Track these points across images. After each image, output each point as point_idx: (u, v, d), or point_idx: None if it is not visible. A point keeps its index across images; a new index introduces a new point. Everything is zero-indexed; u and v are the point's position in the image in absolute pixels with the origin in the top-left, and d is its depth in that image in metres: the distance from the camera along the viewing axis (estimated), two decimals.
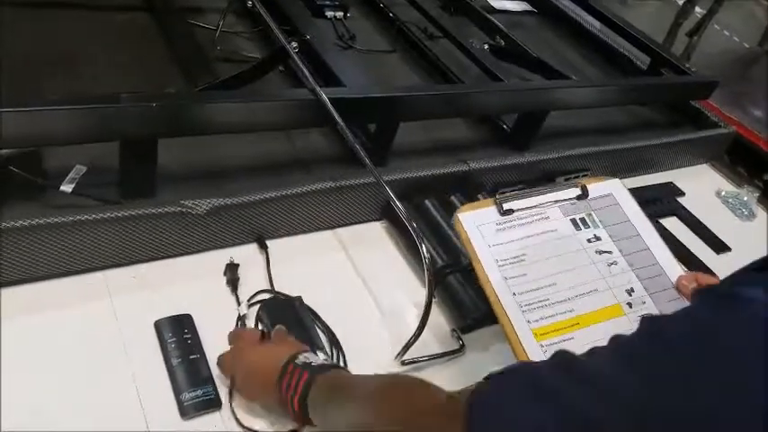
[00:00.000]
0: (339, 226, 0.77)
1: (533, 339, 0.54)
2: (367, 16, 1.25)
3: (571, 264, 0.61)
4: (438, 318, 0.71)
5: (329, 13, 1.16)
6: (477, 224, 0.61)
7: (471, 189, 0.86)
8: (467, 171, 0.84)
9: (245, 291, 0.65)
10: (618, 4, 4.01)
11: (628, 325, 0.56)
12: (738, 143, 2.81)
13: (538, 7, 1.56)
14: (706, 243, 0.99)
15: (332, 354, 0.62)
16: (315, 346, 0.60)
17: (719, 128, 1.21)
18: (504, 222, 0.62)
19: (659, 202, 1.05)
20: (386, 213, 0.80)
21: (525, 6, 1.58)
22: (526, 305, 0.57)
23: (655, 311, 0.58)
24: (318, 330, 0.63)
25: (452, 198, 0.83)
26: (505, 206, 0.62)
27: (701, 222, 1.03)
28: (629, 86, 1.05)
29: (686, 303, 0.60)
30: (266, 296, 0.65)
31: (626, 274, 0.61)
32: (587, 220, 0.66)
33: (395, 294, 0.71)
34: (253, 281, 0.66)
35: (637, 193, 1.03)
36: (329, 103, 0.68)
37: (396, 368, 0.62)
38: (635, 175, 1.10)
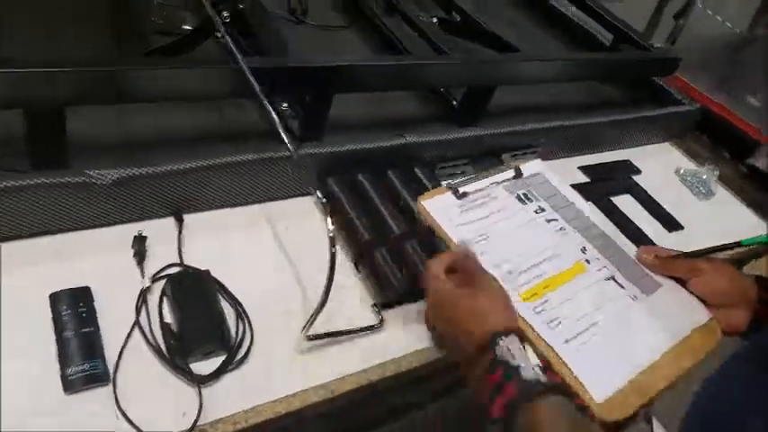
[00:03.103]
0: (268, 200, 0.75)
1: (523, 302, 0.58)
2: None
3: (528, 234, 0.66)
4: (363, 293, 0.69)
5: None
6: (441, 209, 0.64)
7: (409, 163, 0.83)
8: (403, 144, 0.82)
9: (155, 264, 0.63)
10: None
11: (590, 278, 0.63)
12: (722, 126, 2.80)
13: None
14: (659, 221, 0.97)
15: (237, 327, 0.60)
16: (219, 321, 0.58)
17: (682, 105, 1.18)
18: (463, 205, 0.66)
19: (613, 180, 1.02)
20: (321, 187, 0.77)
21: None
22: (507, 272, 0.61)
23: (608, 263, 0.66)
24: (227, 303, 0.61)
25: (389, 172, 0.81)
26: (460, 189, 0.66)
27: (654, 200, 1.01)
28: (583, 61, 1.02)
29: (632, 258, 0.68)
30: (175, 270, 0.63)
31: (575, 236, 0.67)
32: (529, 195, 0.71)
33: (316, 270, 0.69)
34: (165, 255, 0.64)
35: (590, 170, 1.03)
36: (248, 72, 0.65)
37: (303, 342, 0.60)
38: (591, 153, 1.08)
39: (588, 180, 1.00)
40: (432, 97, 1.01)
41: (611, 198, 0.97)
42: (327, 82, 0.75)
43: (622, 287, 0.64)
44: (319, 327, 0.63)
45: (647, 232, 0.93)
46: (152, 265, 0.63)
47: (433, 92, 1.01)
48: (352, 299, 0.68)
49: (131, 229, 0.65)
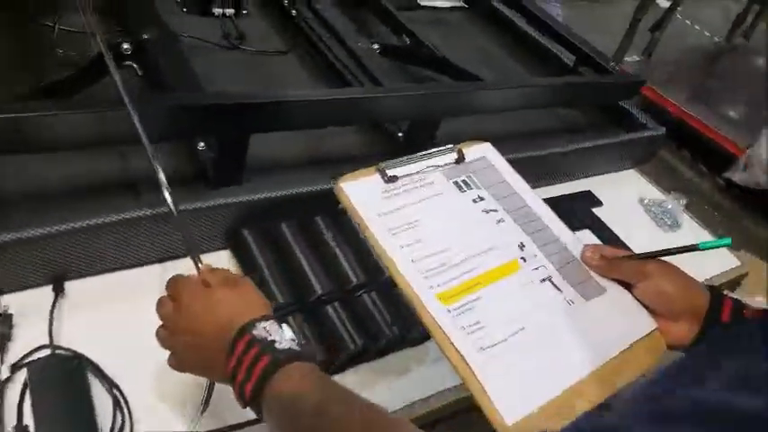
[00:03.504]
0: (171, 258, 0.66)
1: (440, 304, 0.52)
2: (266, 15, 1.14)
3: (463, 225, 0.60)
4: None
5: (217, 10, 1.05)
6: (363, 193, 0.57)
7: (342, 209, 0.75)
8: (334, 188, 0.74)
9: (21, 348, 0.54)
10: (588, 2, 3.96)
11: (524, 278, 0.57)
12: (699, 140, 2.75)
13: (468, 2, 1.46)
14: None
15: (114, 418, 0.51)
16: (85, 416, 0.49)
17: (647, 129, 1.12)
18: (391, 190, 0.59)
19: (571, 215, 0.95)
20: (231, 241, 0.69)
21: (455, 2, 1.48)
22: (427, 271, 0.54)
23: (546, 262, 0.59)
24: (101, 392, 0.53)
25: (317, 219, 0.73)
26: (389, 172, 0.59)
27: (615, 235, 0.94)
28: (535, 88, 0.94)
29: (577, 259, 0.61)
30: (45, 353, 0.54)
31: (514, 230, 0.61)
32: (469, 182, 0.64)
33: None
34: (38, 334, 0.55)
35: (547, 204, 0.96)
36: (135, 116, 0.57)
37: None
38: (550, 184, 1.01)
39: None
40: (377, 130, 0.93)
41: None
42: (237, 121, 0.67)
43: (559, 290, 0.57)
44: (216, 417, 0.54)
45: None
46: (18, 349, 0.54)
47: (378, 124, 0.93)
48: None
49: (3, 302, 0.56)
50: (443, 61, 1.00)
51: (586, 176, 1.06)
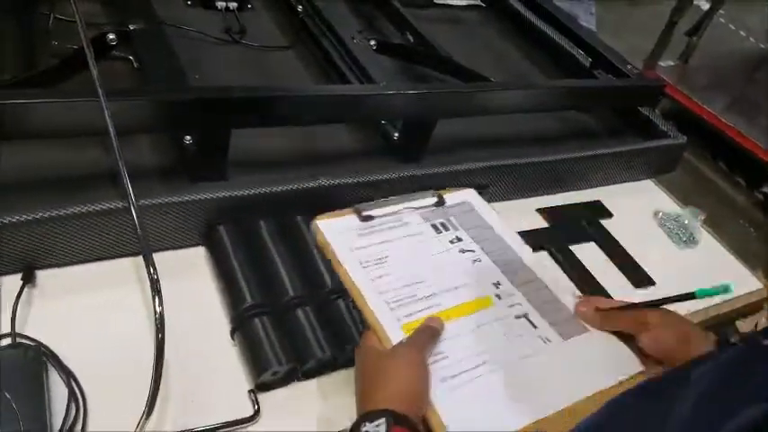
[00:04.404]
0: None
1: (404, 335, 0.53)
2: (271, 10, 1.13)
3: (436, 262, 0.61)
4: (239, 373, 0.58)
5: (220, 4, 1.04)
6: (338, 231, 0.60)
7: (325, 208, 0.73)
8: (317, 188, 0.71)
9: None
10: (627, 3, 3.83)
11: (498, 314, 0.58)
12: (736, 151, 2.63)
13: (485, 1, 1.42)
14: (625, 274, 0.85)
15: (67, 412, 0.50)
16: (35, 405, 0.48)
17: (666, 138, 1.06)
18: (366, 228, 0.62)
19: (576, 226, 0.90)
20: (206, 238, 0.68)
21: (471, 1, 1.44)
22: (394, 302, 0.56)
23: (523, 300, 0.60)
24: (59, 383, 0.52)
25: (298, 219, 0.71)
26: (365, 212, 0.62)
27: (623, 249, 0.88)
28: (542, 91, 0.90)
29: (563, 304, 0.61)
30: (7, 341, 0.53)
31: (491, 269, 0.62)
32: (447, 224, 0.66)
33: (187, 340, 0.59)
34: (5, 321, 0.55)
35: (550, 213, 0.91)
36: (105, 107, 0.56)
37: None
38: (557, 192, 0.96)
39: (546, 225, 0.88)
40: (372, 128, 0.90)
41: (571, 247, 0.85)
42: (216, 116, 0.65)
43: (535, 327, 0.57)
44: (171, 421, 0.53)
45: (607, 288, 0.80)
46: None
47: (375, 123, 0.90)
48: (223, 381, 0.57)
49: None
50: (448, 61, 0.96)
51: (599, 185, 1.01)
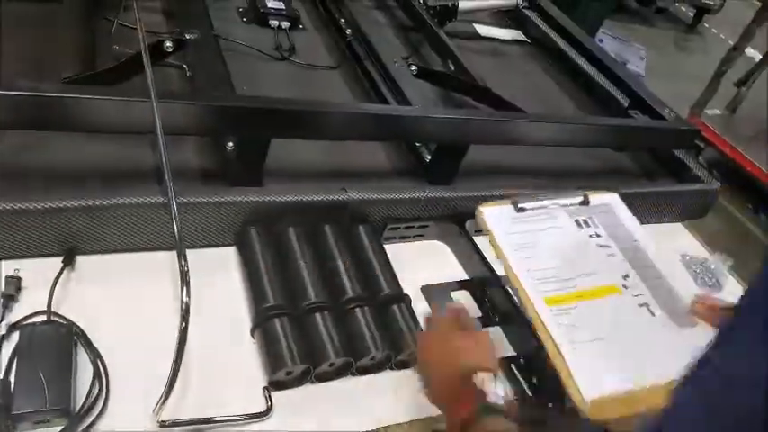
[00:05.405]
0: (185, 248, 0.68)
1: (545, 305, 0.63)
2: (321, 31, 1.18)
3: (576, 251, 0.70)
4: (255, 370, 0.60)
5: (273, 22, 1.10)
6: (497, 217, 0.70)
7: (351, 220, 0.75)
8: (345, 200, 0.74)
9: (27, 309, 0.57)
10: (677, 50, 3.78)
11: (623, 300, 0.67)
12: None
13: (530, 37, 1.44)
14: None
15: (90, 390, 0.53)
16: (62, 380, 0.52)
17: (699, 182, 1.05)
18: (519, 218, 0.72)
19: None
20: (238, 239, 0.71)
21: (517, 35, 1.47)
22: (538, 279, 0.65)
23: (647, 293, 0.68)
24: (87, 362, 0.55)
25: (326, 228, 0.73)
26: (520, 204, 0.72)
27: None
28: (573, 127, 0.91)
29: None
30: (41, 319, 0.57)
31: (623, 263, 0.71)
32: (589, 222, 0.74)
33: (211, 333, 0.61)
34: (42, 300, 0.59)
35: None
36: (156, 107, 0.60)
37: (155, 428, 0.52)
38: None
39: None
40: (405, 149, 0.93)
41: None
42: (256, 125, 0.69)
43: (653, 315, 0.66)
44: (188, 408, 0.55)
45: None
46: (21, 310, 0.57)
47: (408, 145, 0.93)
48: (240, 375, 0.60)
49: (11, 267, 0.60)
50: (484, 90, 0.99)
51: None
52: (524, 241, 0.68)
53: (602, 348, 0.60)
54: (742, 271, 0.98)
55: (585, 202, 0.76)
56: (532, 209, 0.72)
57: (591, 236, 0.73)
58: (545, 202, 0.74)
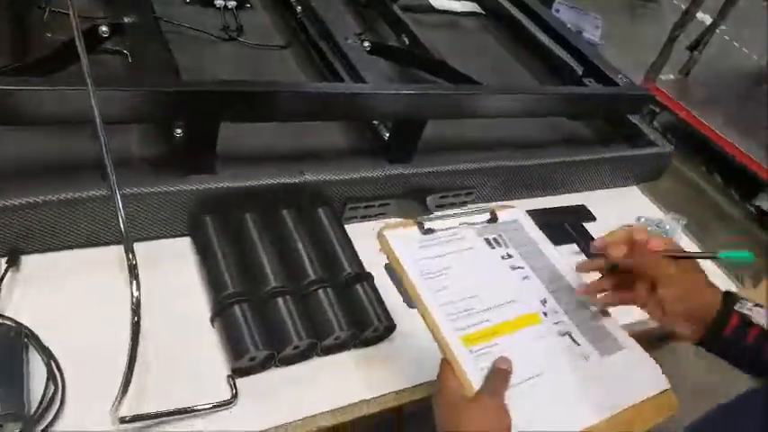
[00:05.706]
0: (134, 240, 0.66)
1: (462, 346, 0.57)
2: (269, 9, 1.14)
3: (490, 277, 0.65)
4: (218, 358, 0.60)
5: (218, 2, 1.06)
6: (403, 242, 0.63)
7: (311, 203, 0.74)
8: (303, 183, 0.73)
9: None
10: (631, 18, 3.84)
11: (544, 331, 0.61)
12: (730, 165, 2.64)
13: (486, 8, 1.44)
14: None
15: (45, 392, 0.52)
16: (13, 382, 0.50)
17: (653, 146, 1.07)
18: (426, 241, 0.65)
19: (559, 228, 0.91)
20: (192, 228, 0.69)
21: (472, 7, 1.46)
22: (453, 314, 0.59)
23: (566, 319, 0.64)
24: (40, 364, 0.53)
25: (283, 212, 0.72)
26: (426, 225, 0.66)
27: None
28: (526, 97, 0.91)
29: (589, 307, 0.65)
30: None
31: (538, 287, 0.66)
32: (499, 240, 0.70)
33: (166, 326, 0.60)
34: None
35: (535, 215, 0.92)
36: (92, 95, 0.57)
37: (116, 426, 0.51)
38: (544, 195, 0.98)
39: None
40: (364, 127, 0.92)
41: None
42: (203, 109, 0.66)
43: (577, 344, 0.62)
44: (150, 403, 0.54)
45: None
46: None
47: (366, 123, 0.92)
48: (202, 366, 0.58)
49: None
50: (440, 64, 0.98)
51: (584, 190, 1.02)
52: (435, 269, 0.62)
53: (528, 395, 0.55)
54: (695, 229, 1.01)
55: (494, 219, 0.70)
56: (440, 229, 0.66)
57: (503, 257, 0.68)
58: (452, 221, 0.68)
